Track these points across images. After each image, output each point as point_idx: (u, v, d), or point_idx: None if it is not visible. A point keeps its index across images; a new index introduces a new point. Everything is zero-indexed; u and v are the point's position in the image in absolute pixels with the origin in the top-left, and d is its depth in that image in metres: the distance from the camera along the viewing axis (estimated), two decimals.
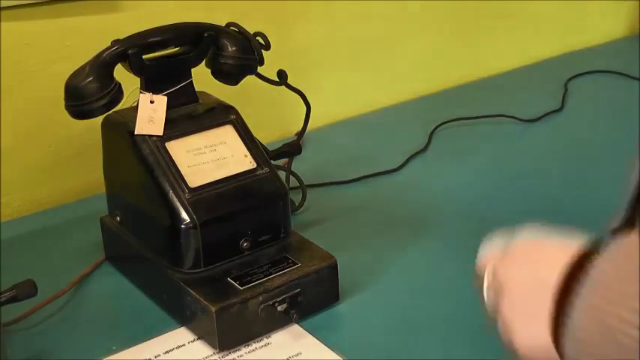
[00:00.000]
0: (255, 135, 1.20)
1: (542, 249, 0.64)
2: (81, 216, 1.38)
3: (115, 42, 1.13)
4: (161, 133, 1.13)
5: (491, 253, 0.68)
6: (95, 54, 1.12)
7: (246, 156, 1.16)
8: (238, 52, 1.21)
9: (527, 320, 0.63)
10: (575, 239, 0.62)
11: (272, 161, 1.20)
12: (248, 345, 1.07)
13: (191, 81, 1.18)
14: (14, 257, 1.27)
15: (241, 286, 1.08)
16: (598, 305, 0.54)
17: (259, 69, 1.25)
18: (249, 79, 1.63)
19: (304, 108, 1.34)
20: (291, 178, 1.37)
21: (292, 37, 1.67)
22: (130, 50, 1.12)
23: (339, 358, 1.05)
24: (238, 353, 1.06)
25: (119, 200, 1.22)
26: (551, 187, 1.45)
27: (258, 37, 1.21)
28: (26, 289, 1.04)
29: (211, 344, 1.07)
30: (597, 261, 0.56)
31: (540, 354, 0.61)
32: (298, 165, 1.48)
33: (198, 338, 1.09)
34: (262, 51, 1.23)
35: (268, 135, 1.52)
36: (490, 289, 0.66)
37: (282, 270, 1.10)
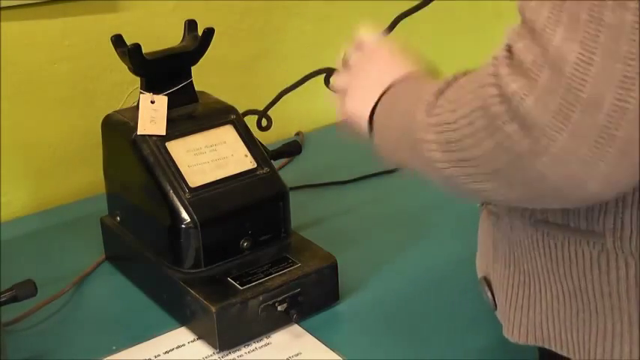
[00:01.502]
0: (254, 135, 1.20)
1: (393, 56, 0.90)
2: (81, 216, 1.38)
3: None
4: (164, 133, 1.13)
5: (361, 43, 0.92)
6: None
7: (246, 156, 1.17)
8: None
9: (360, 93, 0.89)
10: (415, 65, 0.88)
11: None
12: (248, 345, 1.07)
13: (191, 81, 1.18)
14: (14, 257, 1.27)
15: (241, 286, 1.08)
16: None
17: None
18: (248, 79, 1.64)
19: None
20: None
21: (292, 37, 1.67)
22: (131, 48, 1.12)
23: (339, 358, 1.05)
24: (238, 353, 1.06)
25: (119, 200, 1.22)
26: None
27: None
28: (26, 289, 1.04)
29: (211, 344, 1.07)
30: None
31: (357, 118, 0.90)
32: (298, 165, 1.49)
33: (198, 338, 1.09)
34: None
35: (268, 135, 1.52)
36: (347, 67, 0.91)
37: (282, 270, 1.10)
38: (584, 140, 0.61)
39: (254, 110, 1.26)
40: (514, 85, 0.64)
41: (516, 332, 0.89)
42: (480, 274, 0.97)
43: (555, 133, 0.62)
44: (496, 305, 0.93)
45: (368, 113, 0.88)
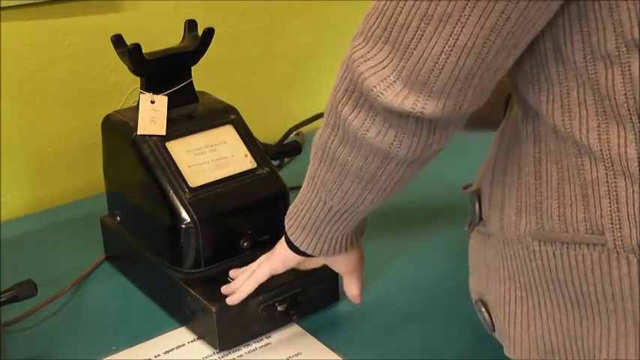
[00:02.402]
0: (255, 135, 1.20)
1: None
2: (81, 216, 1.38)
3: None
4: (164, 133, 1.13)
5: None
6: None
7: (246, 156, 1.17)
8: None
9: (278, 251, 1.04)
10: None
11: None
12: (248, 345, 1.07)
13: (191, 81, 1.18)
14: (14, 257, 1.27)
15: None
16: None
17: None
18: (248, 79, 1.64)
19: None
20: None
21: (292, 37, 1.67)
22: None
23: (339, 358, 1.05)
24: (238, 353, 1.06)
25: (119, 200, 1.22)
26: None
27: None
28: (26, 289, 1.04)
29: (211, 344, 1.07)
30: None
31: (288, 257, 1.03)
32: (298, 165, 1.48)
33: (198, 338, 1.09)
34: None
35: (268, 135, 1.52)
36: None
37: None
38: (394, 54, 0.77)
39: (265, 144, 1.27)
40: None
41: (518, 349, 0.88)
42: (474, 297, 0.96)
43: (382, 45, 0.78)
44: (494, 326, 0.92)
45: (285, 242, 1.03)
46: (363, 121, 0.82)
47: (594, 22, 0.76)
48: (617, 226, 0.78)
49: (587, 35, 0.77)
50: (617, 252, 0.78)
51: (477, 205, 0.92)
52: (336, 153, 0.87)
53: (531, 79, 0.82)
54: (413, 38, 0.76)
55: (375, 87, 0.78)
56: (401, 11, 0.76)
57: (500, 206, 0.88)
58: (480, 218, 0.92)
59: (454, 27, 0.74)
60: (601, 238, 0.79)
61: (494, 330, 0.92)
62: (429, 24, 0.75)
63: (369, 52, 0.79)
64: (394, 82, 0.77)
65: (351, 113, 0.82)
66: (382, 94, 0.78)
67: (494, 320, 0.92)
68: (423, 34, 0.75)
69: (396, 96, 0.77)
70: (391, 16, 0.77)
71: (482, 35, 0.74)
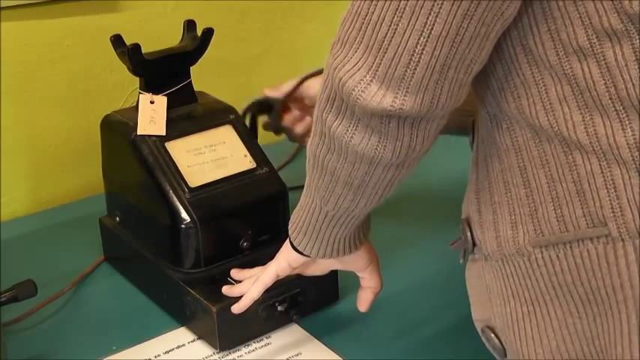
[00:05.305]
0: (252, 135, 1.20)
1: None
2: (81, 216, 1.38)
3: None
4: (163, 133, 1.13)
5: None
6: None
7: (245, 156, 1.17)
8: None
9: (284, 252, 1.03)
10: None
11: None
12: (248, 345, 1.07)
13: (190, 81, 1.18)
14: (14, 257, 1.27)
15: None
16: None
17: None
18: (248, 79, 1.64)
19: None
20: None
21: (292, 37, 1.67)
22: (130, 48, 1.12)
23: (339, 358, 1.05)
24: (238, 353, 1.06)
25: (118, 200, 1.22)
26: None
27: None
28: (26, 289, 1.04)
29: (211, 344, 1.07)
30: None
31: (294, 258, 1.02)
32: (298, 165, 1.48)
33: (199, 338, 1.09)
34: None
35: (268, 135, 1.52)
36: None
37: None
38: (368, 53, 0.78)
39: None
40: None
41: None
42: (480, 327, 0.94)
43: (357, 46, 0.79)
44: (505, 351, 0.90)
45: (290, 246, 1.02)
46: (347, 129, 0.82)
47: (561, 19, 0.77)
48: (619, 213, 0.78)
49: (556, 33, 0.78)
50: (622, 239, 0.78)
51: (468, 232, 0.92)
52: (325, 160, 0.88)
53: (508, 86, 0.82)
54: (387, 34, 0.76)
55: (353, 90, 0.79)
56: (374, 10, 0.77)
57: (493, 226, 0.87)
58: (474, 245, 0.91)
59: (427, 17, 0.75)
60: (604, 229, 0.79)
61: (505, 355, 0.91)
62: (401, 17, 0.76)
63: (346, 57, 0.79)
64: (370, 82, 0.78)
65: (335, 121, 0.83)
66: (360, 96, 0.78)
67: (504, 343, 0.90)
68: (396, 29, 0.76)
69: (374, 96, 0.78)
70: (365, 16, 0.78)
71: (456, 23, 0.75)
